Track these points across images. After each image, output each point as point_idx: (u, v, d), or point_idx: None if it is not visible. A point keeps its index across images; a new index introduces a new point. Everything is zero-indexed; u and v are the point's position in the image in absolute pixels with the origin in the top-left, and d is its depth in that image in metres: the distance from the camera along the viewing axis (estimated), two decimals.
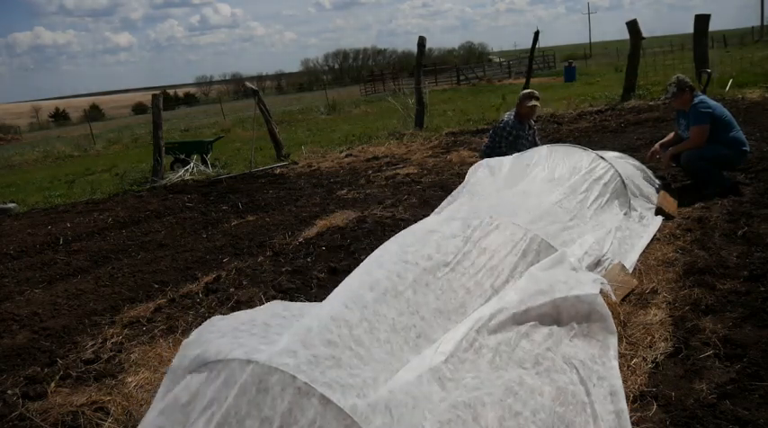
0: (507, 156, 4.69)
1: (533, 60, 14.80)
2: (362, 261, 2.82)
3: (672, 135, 5.24)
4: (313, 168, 9.17)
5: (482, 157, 5.50)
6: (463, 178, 6.70)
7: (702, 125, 4.71)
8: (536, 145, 5.62)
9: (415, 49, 13.07)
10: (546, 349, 2.37)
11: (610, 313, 2.56)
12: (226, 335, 2.16)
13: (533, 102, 5.60)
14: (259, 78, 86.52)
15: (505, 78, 33.36)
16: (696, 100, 4.79)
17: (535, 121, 5.95)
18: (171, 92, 76.12)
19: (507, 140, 5.64)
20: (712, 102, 4.86)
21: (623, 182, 4.21)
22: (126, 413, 2.65)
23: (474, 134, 10.53)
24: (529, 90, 5.84)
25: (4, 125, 54.99)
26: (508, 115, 5.80)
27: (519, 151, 5.08)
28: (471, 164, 5.85)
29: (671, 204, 4.48)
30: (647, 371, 2.47)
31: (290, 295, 3.83)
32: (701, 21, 12.13)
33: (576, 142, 7.50)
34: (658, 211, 4.33)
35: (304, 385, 1.82)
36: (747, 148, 4.89)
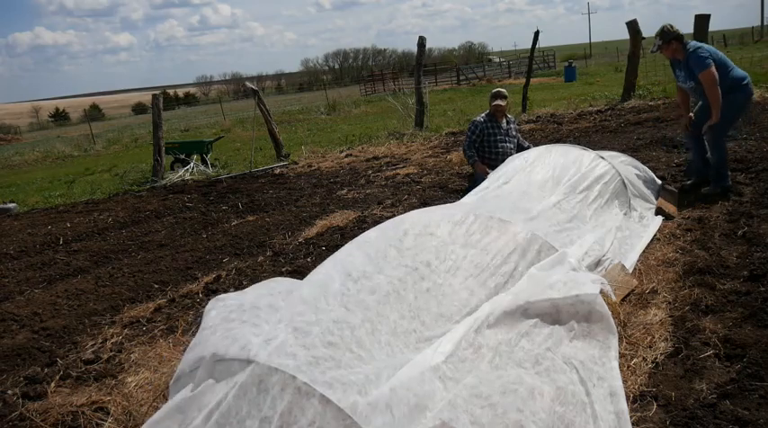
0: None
1: (533, 60, 14.80)
2: None
3: (679, 95, 5.09)
4: (313, 168, 9.17)
5: (464, 154, 6.17)
6: (464, 178, 6.74)
7: (708, 69, 4.43)
8: (515, 137, 6.19)
9: (414, 48, 13.07)
10: (546, 349, 2.37)
11: (610, 313, 2.56)
12: (217, 330, 2.16)
13: (497, 101, 5.96)
14: (259, 78, 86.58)
15: (506, 78, 33.35)
16: (691, 47, 4.56)
17: (514, 120, 6.36)
18: (171, 92, 76.12)
19: (474, 135, 5.99)
20: (706, 46, 4.64)
21: (623, 181, 4.21)
22: (126, 413, 2.65)
23: None
24: (497, 89, 6.23)
25: (4, 125, 54.93)
26: (481, 115, 6.15)
27: (492, 144, 5.93)
28: None
29: (671, 204, 4.48)
30: (647, 371, 2.47)
31: None
32: (701, 21, 12.12)
33: (576, 142, 7.51)
34: (658, 211, 4.32)
35: (304, 385, 1.82)
36: (749, 79, 4.69)
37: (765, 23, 39.96)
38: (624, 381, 2.33)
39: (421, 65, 13.25)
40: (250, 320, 2.19)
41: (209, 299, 3.96)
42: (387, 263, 2.57)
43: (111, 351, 3.38)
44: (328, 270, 2.54)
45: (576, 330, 2.49)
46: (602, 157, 4.30)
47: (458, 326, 2.40)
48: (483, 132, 5.97)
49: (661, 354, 2.57)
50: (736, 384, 2.28)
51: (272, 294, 2.46)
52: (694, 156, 5.09)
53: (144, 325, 3.68)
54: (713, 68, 4.41)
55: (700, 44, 4.62)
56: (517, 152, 6.15)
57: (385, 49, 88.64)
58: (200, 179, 9.41)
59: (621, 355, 2.54)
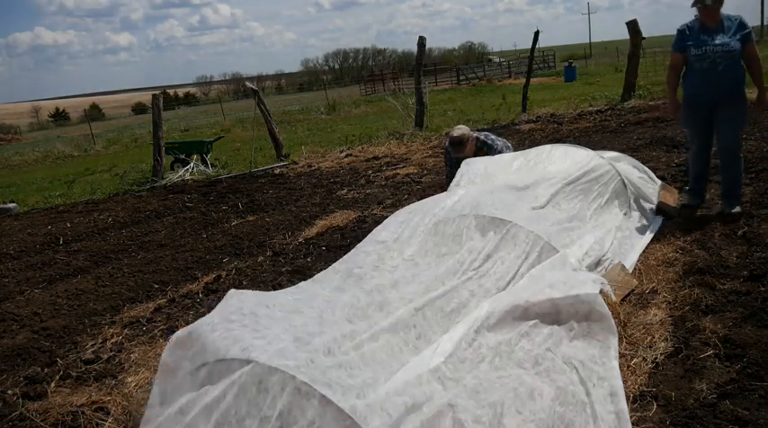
0: (504, 154, 4.66)
1: (533, 60, 14.80)
2: None
3: (673, 78, 4.35)
4: (313, 168, 9.17)
5: (446, 186, 4.58)
6: None
7: (754, 43, 4.12)
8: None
9: (414, 48, 13.08)
10: (546, 349, 2.37)
11: (610, 313, 2.56)
12: (217, 329, 2.16)
13: (457, 153, 4.83)
14: (259, 78, 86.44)
15: (506, 78, 33.33)
16: (733, 15, 4.11)
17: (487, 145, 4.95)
18: (171, 92, 76.11)
19: (450, 168, 5.02)
20: None
21: (623, 181, 4.21)
22: (126, 413, 2.65)
23: None
24: (452, 134, 4.89)
25: (4, 125, 54.86)
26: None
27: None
28: None
29: (671, 204, 4.47)
30: (647, 371, 2.47)
31: None
32: None
33: (576, 142, 7.51)
34: (658, 211, 4.32)
35: (304, 385, 1.82)
36: None
37: (765, 23, 39.88)
38: (624, 381, 2.33)
39: (421, 65, 13.26)
40: (250, 325, 2.19)
41: (209, 299, 3.98)
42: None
43: (111, 351, 3.38)
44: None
45: (576, 330, 2.49)
46: (602, 157, 4.30)
47: (457, 326, 2.40)
48: (453, 159, 4.99)
49: (661, 354, 2.57)
50: (736, 384, 2.28)
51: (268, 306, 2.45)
52: (697, 172, 4.43)
53: (144, 325, 3.69)
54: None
55: None
56: None
57: (385, 49, 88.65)
58: (200, 179, 9.41)
59: (621, 355, 2.54)
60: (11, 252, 5.93)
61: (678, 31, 4.25)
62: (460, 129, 4.89)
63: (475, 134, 4.98)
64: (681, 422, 2.14)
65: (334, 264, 3.05)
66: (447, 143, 5.04)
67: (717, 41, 4.06)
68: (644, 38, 12.20)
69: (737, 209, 4.15)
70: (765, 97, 4.22)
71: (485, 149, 4.92)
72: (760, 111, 4.29)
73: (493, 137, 5.06)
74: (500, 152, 4.86)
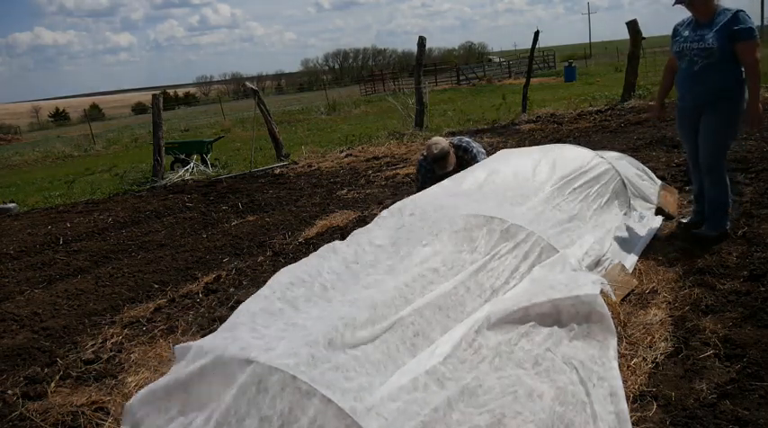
0: (503, 153, 4.64)
1: (533, 60, 14.80)
2: None
3: (665, 78, 4.08)
4: (313, 168, 9.17)
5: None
6: None
7: (755, 41, 3.46)
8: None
9: (414, 48, 13.08)
10: (546, 349, 2.37)
11: (610, 313, 2.55)
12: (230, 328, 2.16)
13: (440, 170, 4.52)
14: (259, 78, 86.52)
15: (506, 78, 33.33)
16: (732, 8, 3.53)
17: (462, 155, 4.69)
18: (171, 92, 76.12)
19: (425, 178, 4.75)
20: None
21: (623, 181, 4.20)
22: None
23: (474, 134, 10.53)
24: (432, 150, 4.53)
25: (4, 125, 54.86)
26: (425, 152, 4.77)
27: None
28: None
29: (671, 204, 4.48)
30: (647, 371, 2.47)
31: None
32: None
33: (576, 142, 7.51)
34: (658, 211, 4.32)
35: (305, 384, 1.82)
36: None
37: (765, 23, 39.86)
38: (624, 381, 2.33)
39: (421, 65, 13.25)
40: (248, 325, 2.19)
41: (208, 299, 3.98)
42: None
43: (111, 351, 3.38)
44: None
45: (576, 330, 2.49)
46: (602, 157, 4.30)
47: (457, 326, 2.40)
48: (427, 174, 4.74)
49: (661, 354, 2.57)
50: (736, 384, 2.28)
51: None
52: (698, 189, 4.06)
53: (144, 325, 3.69)
54: (757, 43, 3.48)
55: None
56: None
57: (385, 49, 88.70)
58: (201, 179, 9.41)
59: (621, 355, 2.54)
60: (11, 252, 5.93)
61: (673, 28, 3.89)
62: (439, 143, 4.55)
63: (449, 140, 4.73)
64: (681, 422, 2.14)
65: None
66: (428, 161, 4.64)
67: (689, 39, 3.63)
68: (644, 38, 12.21)
69: (715, 233, 3.73)
70: (755, 111, 3.55)
71: (464, 154, 4.68)
72: (755, 128, 3.57)
73: (467, 139, 4.87)
74: (476, 154, 4.66)
